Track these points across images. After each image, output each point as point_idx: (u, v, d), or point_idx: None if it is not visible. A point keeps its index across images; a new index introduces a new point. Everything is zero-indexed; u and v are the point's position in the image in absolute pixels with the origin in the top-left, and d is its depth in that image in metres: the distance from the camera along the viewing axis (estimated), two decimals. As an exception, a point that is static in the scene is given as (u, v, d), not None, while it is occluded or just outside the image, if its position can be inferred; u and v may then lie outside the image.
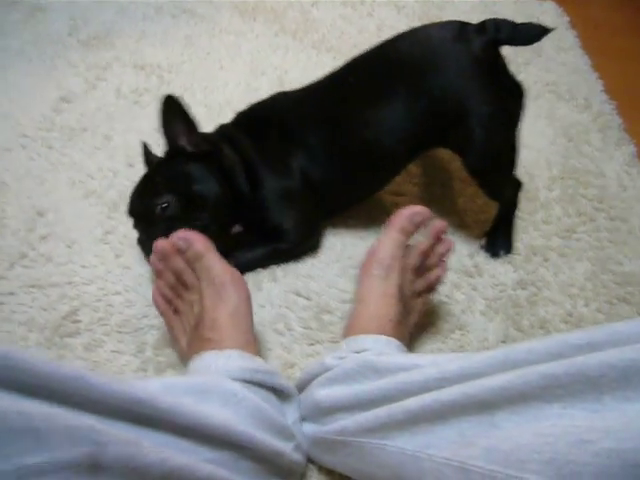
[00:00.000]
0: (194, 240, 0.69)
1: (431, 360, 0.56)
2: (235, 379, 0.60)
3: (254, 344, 0.69)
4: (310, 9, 1.34)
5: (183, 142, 0.82)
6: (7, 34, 1.23)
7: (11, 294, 0.82)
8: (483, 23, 0.77)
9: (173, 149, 0.83)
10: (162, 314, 0.74)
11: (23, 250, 0.87)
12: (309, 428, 0.66)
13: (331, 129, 0.84)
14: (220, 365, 0.62)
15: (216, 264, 0.69)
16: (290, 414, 0.66)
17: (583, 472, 0.34)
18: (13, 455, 0.32)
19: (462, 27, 0.78)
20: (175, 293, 0.72)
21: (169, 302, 0.73)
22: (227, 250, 0.78)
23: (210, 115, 1.08)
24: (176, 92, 1.10)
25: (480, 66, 0.77)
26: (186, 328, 0.71)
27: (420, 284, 0.75)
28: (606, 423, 0.35)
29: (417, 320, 0.77)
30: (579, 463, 0.35)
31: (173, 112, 0.80)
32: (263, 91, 1.14)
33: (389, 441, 0.52)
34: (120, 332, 0.79)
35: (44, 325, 0.79)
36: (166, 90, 1.12)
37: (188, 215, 0.80)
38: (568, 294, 0.87)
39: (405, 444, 0.50)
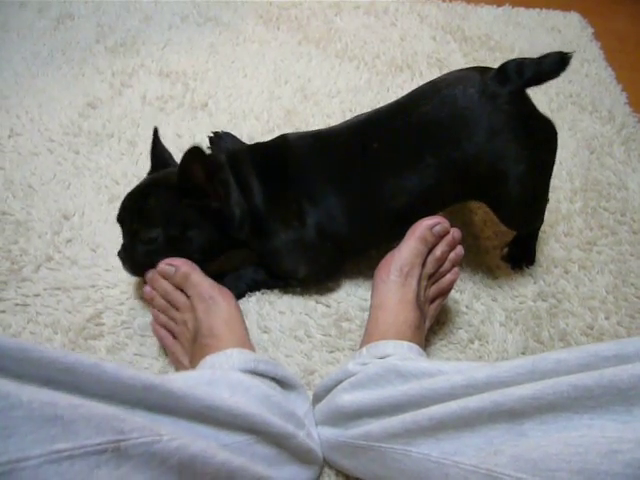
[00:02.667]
0: (179, 264, 0.74)
1: (455, 367, 0.56)
2: (240, 370, 0.62)
3: (251, 347, 0.72)
4: (333, 18, 1.35)
5: (199, 182, 0.74)
6: (36, 41, 1.25)
7: (37, 296, 0.84)
8: (504, 68, 0.72)
9: (186, 185, 0.74)
10: (163, 341, 0.77)
11: (49, 253, 0.89)
12: (330, 433, 0.66)
13: (353, 195, 0.78)
14: (223, 362, 0.64)
15: (203, 281, 0.74)
16: (299, 406, 0.68)
17: None
18: (43, 441, 0.33)
19: (483, 79, 0.72)
20: (169, 316, 0.76)
21: (166, 329, 0.76)
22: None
23: (233, 122, 1.10)
24: (200, 99, 1.13)
25: (511, 123, 0.72)
26: (185, 346, 0.73)
27: (433, 290, 0.77)
28: (637, 434, 0.35)
29: (430, 326, 0.78)
30: (610, 473, 0.35)
31: (196, 159, 0.71)
32: (286, 99, 1.15)
33: (414, 447, 0.53)
34: (143, 335, 0.80)
35: (68, 327, 0.80)
36: (191, 97, 1.14)
37: (171, 250, 0.77)
38: (588, 307, 0.87)
39: (430, 450, 0.51)
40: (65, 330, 0.80)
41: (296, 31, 1.31)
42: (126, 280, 0.86)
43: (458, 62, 1.26)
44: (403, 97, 0.80)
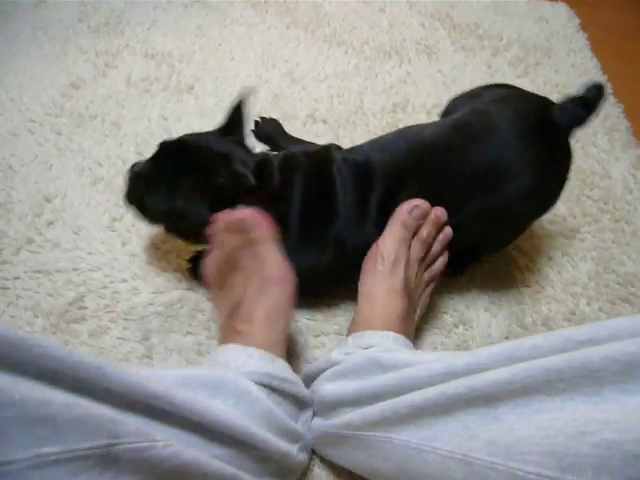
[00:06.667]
0: (256, 225, 0.66)
1: (436, 357, 0.56)
2: (253, 381, 0.59)
3: (282, 345, 0.66)
4: (322, 3, 1.34)
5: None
6: (18, 19, 1.22)
7: (17, 279, 0.83)
8: (561, 114, 0.71)
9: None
10: (209, 287, 0.71)
11: (30, 235, 0.87)
12: (314, 422, 0.66)
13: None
14: (240, 363, 0.60)
15: (270, 256, 0.66)
16: (302, 416, 0.66)
17: (583, 463, 0.34)
18: (31, 444, 0.32)
19: (544, 120, 0.72)
20: (228, 267, 0.68)
21: (218, 275, 0.69)
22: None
23: (220, 105, 1.09)
24: (187, 82, 1.11)
25: (556, 169, 0.74)
26: (226, 307, 0.68)
27: (426, 276, 0.76)
28: (605, 415, 0.36)
29: (422, 314, 0.77)
30: (579, 455, 0.35)
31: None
32: (274, 83, 1.14)
33: (395, 434, 0.52)
34: (126, 319, 0.79)
35: (50, 311, 0.79)
36: (177, 80, 1.12)
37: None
38: (571, 293, 0.87)
39: (411, 437, 0.50)
40: (46, 314, 0.79)
41: (284, 15, 1.30)
42: (109, 264, 0.85)
43: (446, 49, 1.26)
44: (449, 127, 0.76)
